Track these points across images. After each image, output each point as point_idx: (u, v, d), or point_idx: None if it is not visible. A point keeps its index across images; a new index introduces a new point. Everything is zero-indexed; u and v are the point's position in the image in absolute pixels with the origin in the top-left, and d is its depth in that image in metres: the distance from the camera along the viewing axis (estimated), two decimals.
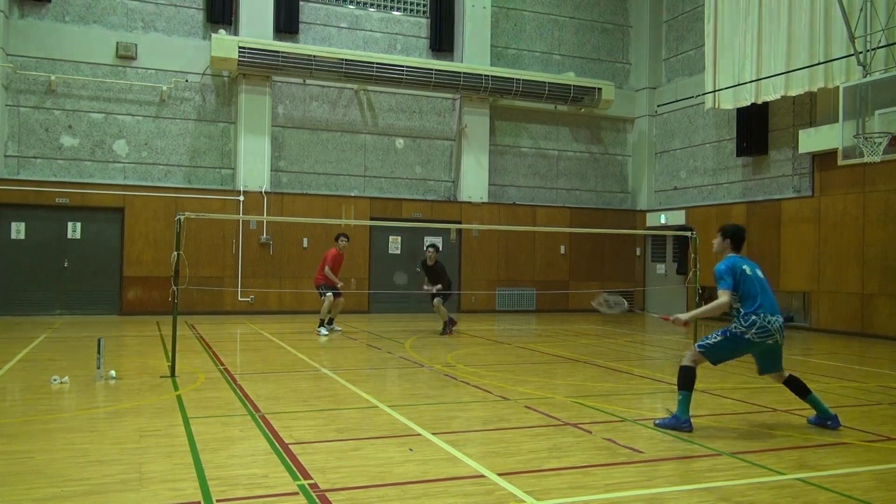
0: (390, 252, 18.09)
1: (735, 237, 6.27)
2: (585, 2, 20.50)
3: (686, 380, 5.93)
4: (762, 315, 5.83)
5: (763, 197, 16.82)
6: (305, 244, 17.04)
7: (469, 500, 4.11)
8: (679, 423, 5.84)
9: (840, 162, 12.92)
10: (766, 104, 16.08)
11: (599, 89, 19.13)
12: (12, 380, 7.94)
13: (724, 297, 5.91)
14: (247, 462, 4.84)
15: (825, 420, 6.00)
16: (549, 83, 18.80)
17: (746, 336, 5.84)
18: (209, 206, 16.00)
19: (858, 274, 14.38)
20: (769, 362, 6.11)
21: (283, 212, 16.83)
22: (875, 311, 14.08)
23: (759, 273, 6.11)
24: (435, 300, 13.19)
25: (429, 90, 18.28)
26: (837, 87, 13.23)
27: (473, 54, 18.64)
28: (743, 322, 5.86)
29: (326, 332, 12.82)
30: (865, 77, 12.46)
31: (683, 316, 6.11)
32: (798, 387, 6.14)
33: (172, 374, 8.05)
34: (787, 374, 6.17)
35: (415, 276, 16.29)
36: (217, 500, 4.05)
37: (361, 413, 6.45)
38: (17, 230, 15.34)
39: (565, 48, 20.26)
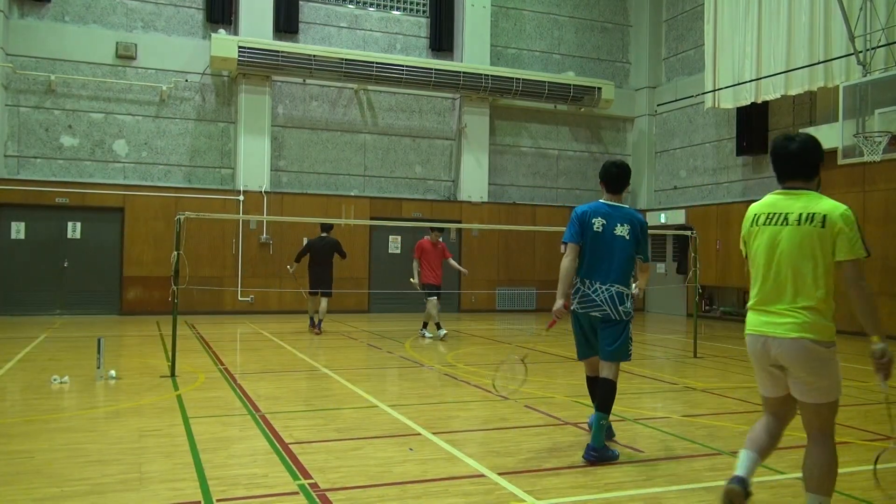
0: (390, 252, 18.08)
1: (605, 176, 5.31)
2: (585, 1, 20.49)
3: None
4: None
5: (763, 196, 16.78)
6: (305, 244, 17.01)
7: (469, 500, 4.11)
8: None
9: (840, 161, 12.93)
10: (765, 103, 16.07)
11: (599, 89, 19.13)
12: (12, 380, 7.94)
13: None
14: (247, 462, 4.84)
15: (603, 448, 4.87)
16: (548, 83, 18.79)
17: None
18: (209, 205, 15.99)
19: None
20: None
21: (282, 211, 16.82)
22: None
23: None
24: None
25: (429, 90, 18.27)
26: (837, 86, 13.23)
27: (473, 54, 18.63)
28: None
29: (430, 336, 12.30)
30: (865, 76, 12.47)
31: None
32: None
33: (172, 374, 8.05)
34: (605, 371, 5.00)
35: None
36: (217, 500, 4.05)
37: (361, 413, 6.45)
38: (17, 230, 15.34)
39: (565, 48, 20.25)
